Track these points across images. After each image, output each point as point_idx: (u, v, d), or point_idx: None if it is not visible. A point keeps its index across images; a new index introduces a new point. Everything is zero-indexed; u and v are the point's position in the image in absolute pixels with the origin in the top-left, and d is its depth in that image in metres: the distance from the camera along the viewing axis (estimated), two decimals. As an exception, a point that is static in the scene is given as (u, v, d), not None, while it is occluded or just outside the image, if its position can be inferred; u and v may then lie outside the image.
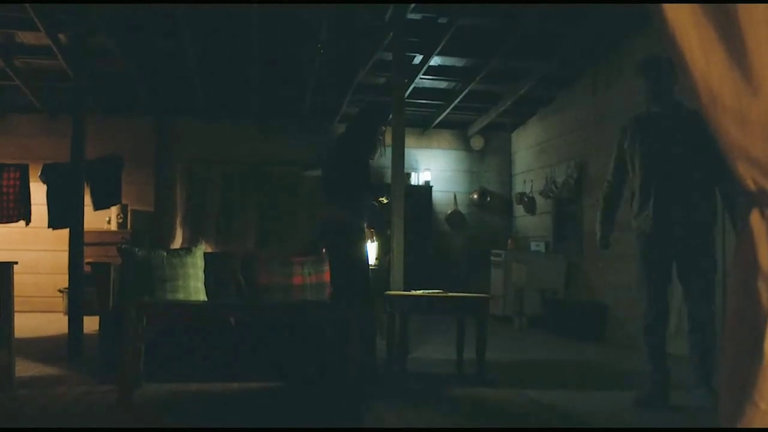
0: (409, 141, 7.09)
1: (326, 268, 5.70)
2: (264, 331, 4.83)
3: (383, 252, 7.54)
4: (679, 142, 4.23)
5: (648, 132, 4.37)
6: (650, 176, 4.31)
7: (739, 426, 1.66)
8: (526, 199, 10.04)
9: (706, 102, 1.65)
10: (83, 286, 5.82)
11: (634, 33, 7.12)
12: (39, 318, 8.44)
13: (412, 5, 6.62)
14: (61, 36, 7.32)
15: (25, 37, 7.58)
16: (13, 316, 4.38)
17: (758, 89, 1.61)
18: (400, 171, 6.45)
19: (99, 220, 9.16)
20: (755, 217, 1.68)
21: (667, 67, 4.20)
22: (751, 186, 1.67)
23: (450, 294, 5.45)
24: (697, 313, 4.25)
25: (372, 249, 7.69)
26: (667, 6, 1.65)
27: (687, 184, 4.20)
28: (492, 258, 9.51)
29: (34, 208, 8.11)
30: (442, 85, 9.24)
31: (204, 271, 5.38)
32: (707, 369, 4.15)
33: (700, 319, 4.23)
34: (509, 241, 9.83)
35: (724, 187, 4.15)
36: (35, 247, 9.33)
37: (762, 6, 1.61)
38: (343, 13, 7.02)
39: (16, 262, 4.42)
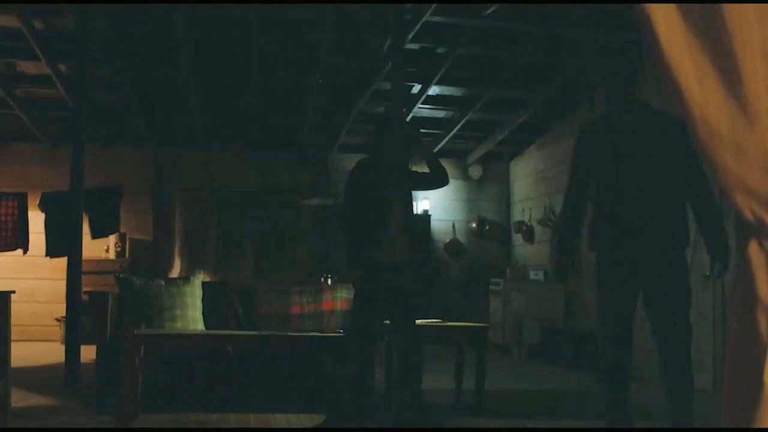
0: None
1: (325, 297, 5.69)
2: (262, 361, 4.80)
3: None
4: (646, 153, 3.54)
5: (609, 142, 3.65)
6: (613, 194, 3.60)
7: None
8: (524, 228, 10.04)
9: (702, 133, 1.65)
10: (81, 315, 5.80)
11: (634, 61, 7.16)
12: (36, 347, 8.39)
13: (410, 35, 6.67)
14: (61, 66, 7.36)
15: (26, 67, 7.62)
16: (10, 345, 4.35)
17: (754, 120, 1.62)
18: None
19: (97, 248, 9.15)
20: (753, 248, 1.68)
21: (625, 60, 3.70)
22: (749, 217, 1.67)
23: (449, 323, 5.43)
24: (668, 352, 3.54)
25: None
26: (662, 37, 1.66)
27: (655, 202, 3.52)
28: (491, 287, 9.49)
29: (32, 237, 8.10)
30: (441, 114, 9.28)
31: (202, 301, 5.36)
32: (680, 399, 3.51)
33: (672, 362, 3.53)
34: (508, 270, 9.82)
35: (699, 206, 3.47)
36: (33, 276, 9.30)
37: (756, 37, 1.62)
38: (342, 43, 7.07)
39: (14, 291, 4.41)
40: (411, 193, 4.94)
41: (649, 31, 1.68)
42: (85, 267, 6.06)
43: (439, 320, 5.52)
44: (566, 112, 8.90)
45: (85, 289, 5.80)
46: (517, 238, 10.42)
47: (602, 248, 3.70)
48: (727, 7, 1.61)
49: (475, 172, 10.85)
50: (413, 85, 8.08)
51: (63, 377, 5.62)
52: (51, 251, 7.76)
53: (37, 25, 6.60)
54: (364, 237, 4.70)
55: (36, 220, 8.08)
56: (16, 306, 4.49)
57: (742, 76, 1.60)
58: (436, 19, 6.44)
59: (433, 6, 6.15)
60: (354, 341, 4.57)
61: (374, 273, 4.64)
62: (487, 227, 10.74)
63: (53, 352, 7.66)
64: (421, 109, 8.86)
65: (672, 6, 1.67)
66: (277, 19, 6.54)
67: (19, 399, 4.87)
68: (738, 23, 1.60)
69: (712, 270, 3.42)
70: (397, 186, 4.78)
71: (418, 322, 4.90)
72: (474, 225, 10.71)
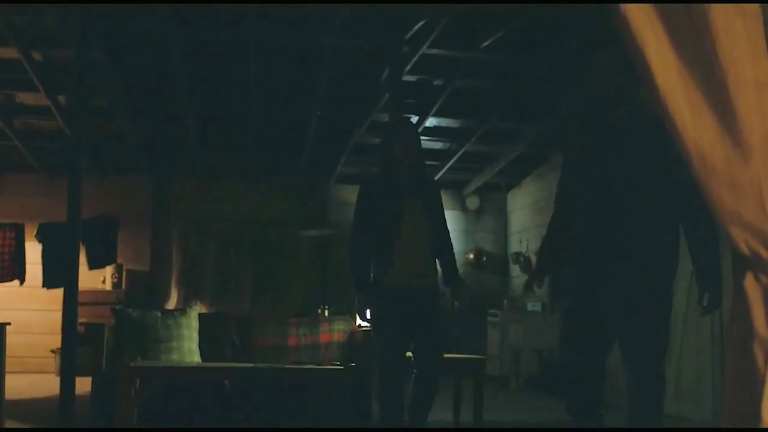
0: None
1: (322, 329, 5.66)
2: (259, 394, 4.77)
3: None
4: (634, 168, 3.12)
5: (595, 157, 3.26)
6: (593, 218, 3.20)
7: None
8: (522, 259, 10.03)
9: (697, 167, 1.67)
10: (76, 347, 5.76)
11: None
12: (30, 379, 8.33)
13: (408, 67, 6.72)
14: (60, 97, 7.40)
15: (25, 98, 7.66)
16: (5, 377, 4.32)
17: (748, 155, 1.63)
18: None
19: (94, 279, 9.12)
20: (749, 282, 1.69)
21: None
22: (745, 250, 1.68)
23: (446, 355, 5.40)
24: (639, 404, 3.13)
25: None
26: (656, 72, 1.68)
27: (642, 227, 3.10)
28: (488, 318, 9.46)
29: (28, 268, 8.08)
30: (438, 145, 9.32)
31: (198, 332, 5.34)
32: None
33: (641, 414, 3.13)
34: (505, 301, 9.79)
35: (692, 230, 3.09)
36: (29, 307, 9.26)
37: (749, 72, 1.64)
38: (340, 74, 7.11)
39: (9, 323, 4.39)
40: (436, 204, 4.33)
41: (643, 66, 1.70)
42: (81, 298, 6.02)
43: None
44: (563, 143, 8.94)
45: (81, 320, 5.77)
46: (515, 270, 10.41)
47: (576, 284, 3.28)
48: (720, 43, 1.63)
49: (472, 203, 10.86)
50: (410, 117, 8.12)
51: (57, 409, 5.57)
52: (48, 282, 7.75)
53: (37, 56, 6.64)
54: (369, 258, 4.21)
55: (33, 251, 8.07)
56: (11, 337, 4.47)
57: (736, 110, 1.62)
58: (434, 51, 6.50)
59: (431, 39, 6.21)
60: (380, 387, 4.13)
61: (382, 301, 4.12)
62: (485, 258, 10.73)
63: (48, 384, 7.60)
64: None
65: (665, 41, 1.69)
66: (276, 50, 6.59)
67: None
68: (731, 58, 1.62)
69: (700, 303, 3.08)
70: (414, 195, 4.21)
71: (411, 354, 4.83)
72: (471, 256, 10.70)
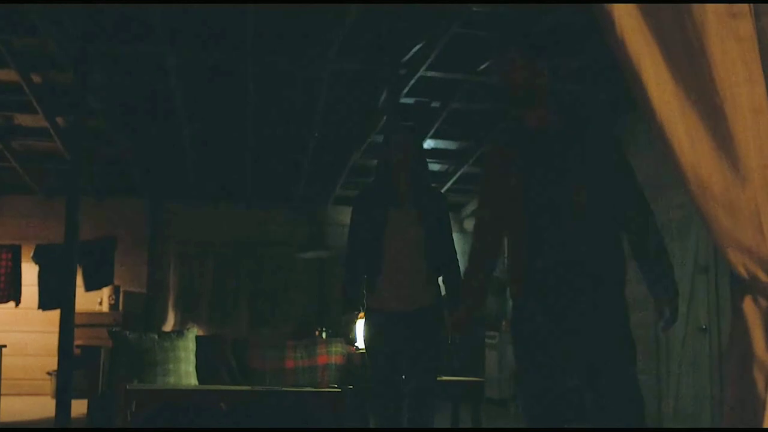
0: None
1: (319, 351, 5.64)
2: (256, 417, 4.74)
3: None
4: (568, 169, 2.79)
5: (521, 157, 2.89)
6: (533, 222, 2.83)
7: None
8: (519, 281, 10.00)
9: (695, 191, 1.67)
10: (72, 369, 5.74)
11: (625, 116, 7.25)
12: (26, 401, 8.28)
13: (406, 89, 6.75)
14: (58, 119, 7.42)
15: (24, 120, 7.68)
16: (0, 399, 4.30)
17: (746, 178, 1.63)
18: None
19: (90, 301, 9.09)
20: (748, 305, 1.68)
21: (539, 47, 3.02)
22: (743, 273, 1.67)
23: (444, 378, 5.38)
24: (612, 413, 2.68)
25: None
26: (653, 96, 1.69)
27: (583, 231, 2.75)
28: (486, 340, 9.43)
29: (25, 289, 8.06)
30: (436, 167, 9.34)
31: (195, 355, 5.32)
32: None
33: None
34: (503, 323, 9.76)
35: (637, 237, 2.82)
36: (24, 329, 9.22)
37: (746, 96, 1.65)
38: (337, 97, 7.14)
39: (5, 345, 4.37)
40: (437, 214, 3.90)
41: (640, 90, 1.71)
42: (77, 320, 6.02)
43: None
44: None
45: (77, 342, 5.75)
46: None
47: (516, 296, 2.94)
48: (717, 67, 1.64)
49: (470, 224, 10.86)
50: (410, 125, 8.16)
51: (53, 433, 5.54)
52: (44, 304, 7.73)
53: (36, 79, 6.66)
54: (361, 275, 3.88)
55: (29, 273, 8.05)
56: (7, 359, 4.45)
57: (733, 135, 1.62)
58: (431, 74, 6.53)
59: (428, 61, 6.24)
60: (376, 415, 3.89)
61: (369, 326, 3.81)
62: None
63: (44, 407, 7.55)
64: (416, 163, 8.92)
65: (662, 66, 1.69)
66: (274, 73, 6.62)
67: (8, 455, 4.79)
68: (727, 83, 1.62)
69: (660, 322, 2.81)
70: (410, 205, 3.84)
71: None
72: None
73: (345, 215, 9.84)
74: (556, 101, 2.97)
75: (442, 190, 9.75)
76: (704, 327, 5.73)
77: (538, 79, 2.91)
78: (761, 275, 1.65)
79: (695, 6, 1.65)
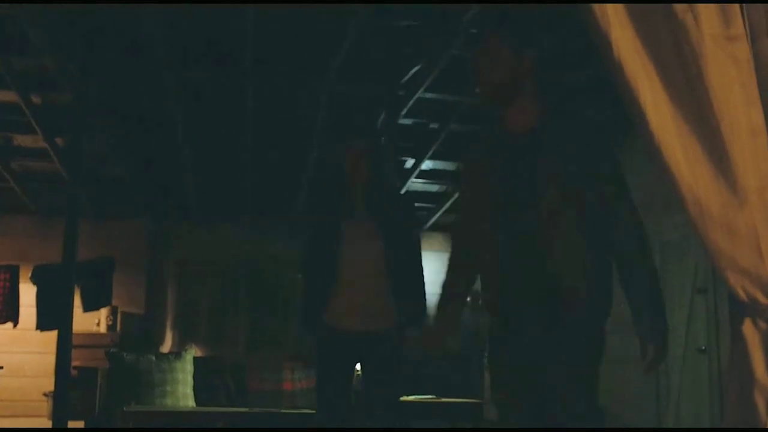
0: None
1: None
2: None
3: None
4: (553, 181, 2.45)
5: (502, 169, 2.56)
6: (508, 241, 2.55)
7: None
8: (518, 302, 9.98)
9: (693, 212, 1.67)
10: (69, 391, 5.71)
11: (623, 136, 7.26)
12: (21, 423, 8.21)
13: (404, 111, 6.77)
14: (58, 140, 7.43)
15: (23, 140, 7.69)
16: (-4, 422, 4.28)
17: (744, 200, 1.64)
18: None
19: (88, 322, 9.05)
20: (748, 327, 1.68)
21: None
22: (742, 296, 1.67)
23: (442, 399, 5.36)
24: None
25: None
26: (651, 119, 1.70)
27: (565, 253, 2.44)
28: (485, 361, 9.38)
29: (22, 310, 8.03)
30: (434, 188, 9.35)
31: (193, 376, 5.30)
32: None
33: None
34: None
35: (626, 261, 2.46)
36: (21, 350, 9.16)
37: (743, 119, 1.66)
38: (336, 118, 7.16)
39: (2, 367, 4.35)
40: (399, 222, 3.59)
41: (638, 112, 1.72)
42: (75, 341, 5.99)
43: (432, 396, 5.45)
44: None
45: (74, 363, 5.72)
46: (511, 312, 10.34)
47: (492, 328, 2.71)
48: (714, 90, 1.65)
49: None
50: (406, 160, 8.16)
51: (49, 455, 5.50)
52: (41, 324, 7.69)
53: (36, 100, 6.68)
54: (315, 293, 3.53)
55: (27, 293, 8.03)
56: (3, 381, 4.43)
57: (731, 157, 1.63)
58: (429, 95, 6.55)
59: (427, 83, 6.26)
60: None
61: (327, 347, 3.46)
62: (481, 300, 10.67)
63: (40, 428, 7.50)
64: (414, 183, 8.93)
65: (659, 88, 1.71)
66: (273, 93, 6.65)
67: (3, 478, 4.76)
68: (725, 106, 1.64)
69: (642, 356, 2.44)
70: (367, 213, 3.54)
71: (408, 398, 4.67)
72: (468, 298, 10.64)
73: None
74: (546, 97, 2.57)
75: (441, 211, 9.75)
76: (703, 348, 5.72)
77: (519, 71, 2.46)
78: (760, 297, 1.65)
79: (692, 29, 1.66)
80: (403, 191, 8.56)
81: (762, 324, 1.67)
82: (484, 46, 2.54)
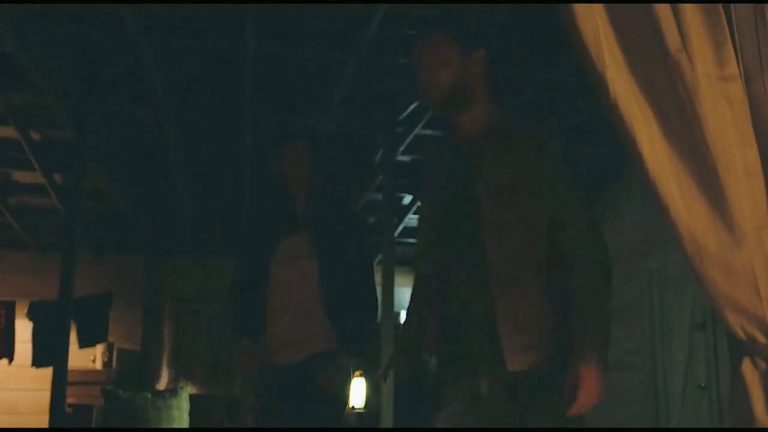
0: (398, 279, 7.13)
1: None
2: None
3: (372, 393, 7.40)
4: (501, 194, 2.17)
5: (446, 180, 2.33)
6: (450, 264, 2.26)
7: None
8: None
9: (690, 251, 1.68)
10: (64, 429, 5.65)
11: (621, 172, 7.29)
12: (15, 462, 8.13)
13: (402, 148, 6.80)
14: (56, 176, 7.45)
15: (21, 176, 7.70)
16: (-11, 461, 4.23)
17: (741, 239, 1.65)
18: (390, 310, 6.44)
19: (84, 358, 8.99)
20: (747, 367, 1.68)
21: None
22: (741, 335, 1.67)
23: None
24: None
25: (359, 390, 7.56)
26: (648, 157, 1.71)
27: (511, 278, 2.13)
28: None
29: (18, 346, 7.99)
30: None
31: (189, 414, 5.26)
32: None
33: None
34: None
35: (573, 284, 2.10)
36: (16, 387, 9.09)
37: (739, 158, 1.67)
38: (335, 155, 7.19)
39: (-4, 405, 4.31)
40: (342, 240, 3.20)
41: (634, 152, 1.73)
42: (70, 377, 5.95)
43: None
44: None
45: (69, 400, 5.68)
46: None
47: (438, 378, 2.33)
48: (709, 130, 1.66)
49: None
50: (404, 196, 8.19)
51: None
52: (37, 361, 7.64)
53: (35, 136, 6.71)
54: (240, 321, 3.23)
55: (23, 330, 7.99)
56: (-2, 420, 4.39)
57: (727, 196, 1.64)
58: (427, 132, 6.58)
59: (424, 120, 6.29)
60: None
61: (262, 384, 3.12)
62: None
63: (33, 467, 7.42)
64: (412, 220, 8.95)
65: (655, 127, 1.72)
66: (271, 132, 6.68)
67: None
68: (720, 146, 1.65)
69: (568, 400, 1.98)
70: (305, 230, 3.17)
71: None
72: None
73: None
74: (500, 100, 2.33)
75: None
76: (703, 385, 5.68)
77: (468, 72, 2.22)
78: (759, 337, 1.64)
79: (686, 69, 1.68)
80: (400, 228, 8.58)
81: (761, 363, 1.66)
82: (427, 45, 2.27)
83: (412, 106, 6.37)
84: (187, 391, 5.45)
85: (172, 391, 5.38)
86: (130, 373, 9.30)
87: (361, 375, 7.59)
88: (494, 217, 2.15)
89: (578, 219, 2.16)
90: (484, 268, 2.14)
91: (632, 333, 6.29)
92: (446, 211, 2.28)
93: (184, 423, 5.17)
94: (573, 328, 2.05)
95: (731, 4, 1.73)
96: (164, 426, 5.02)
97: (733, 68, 1.70)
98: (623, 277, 6.52)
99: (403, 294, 10.48)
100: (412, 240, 9.64)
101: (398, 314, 10.12)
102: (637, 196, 5.99)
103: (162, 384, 9.23)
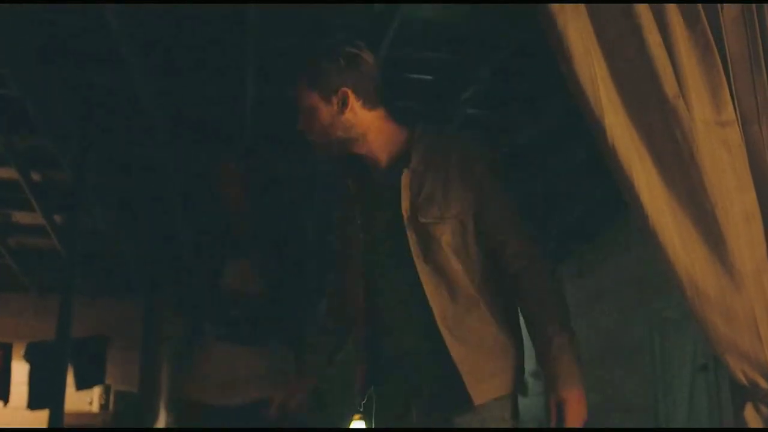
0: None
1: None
2: None
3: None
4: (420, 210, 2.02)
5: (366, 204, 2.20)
6: (374, 298, 2.12)
7: None
8: (517, 380, 9.84)
9: (690, 296, 1.68)
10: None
11: (620, 213, 7.30)
12: (9, 506, 8.02)
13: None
14: (56, 217, 7.45)
15: (21, 218, 7.71)
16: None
17: (741, 283, 1.65)
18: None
19: (81, 400, 8.91)
20: (749, 412, 1.66)
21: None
22: (743, 380, 1.66)
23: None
24: None
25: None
26: (646, 202, 1.71)
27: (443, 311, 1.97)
28: None
29: (14, 388, 7.93)
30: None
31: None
32: None
33: None
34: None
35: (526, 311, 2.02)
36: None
37: (737, 203, 1.68)
38: (331, 197, 7.20)
39: (-9, 449, 4.26)
40: (287, 261, 2.95)
41: (632, 196, 1.74)
42: (66, 420, 5.89)
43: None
44: (553, 266, 8.95)
45: (65, 444, 5.61)
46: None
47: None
48: (707, 175, 1.67)
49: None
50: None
51: None
52: (33, 403, 7.57)
53: (35, 177, 6.73)
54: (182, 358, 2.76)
55: (19, 371, 7.93)
56: (-7, 464, 4.33)
57: (726, 240, 1.65)
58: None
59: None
60: None
61: (185, 422, 2.71)
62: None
63: None
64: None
65: (653, 172, 1.73)
66: (269, 174, 6.69)
67: None
68: (718, 190, 1.66)
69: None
70: (255, 255, 2.95)
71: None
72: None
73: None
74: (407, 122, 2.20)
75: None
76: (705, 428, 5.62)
77: (334, 111, 2.13)
78: (762, 382, 1.64)
79: (683, 115, 1.69)
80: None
81: (763, 409, 1.65)
82: (296, 93, 2.19)
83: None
84: (185, 434, 5.38)
85: (170, 435, 5.32)
86: (128, 416, 9.22)
87: (361, 418, 7.52)
88: (422, 247, 2.00)
89: (518, 237, 2.04)
90: (419, 300, 1.98)
91: (633, 374, 6.25)
92: (369, 245, 2.14)
93: (181, 467, 5.11)
94: (541, 356, 1.96)
95: (726, 48, 1.75)
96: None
97: (729, 113, 1.71)
98: (624, 317, 6.50)
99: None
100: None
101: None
102: (638, 235, 5.99)
103: (160, 426, 9.14)
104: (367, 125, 2.12)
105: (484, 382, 1.93)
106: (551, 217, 7.71)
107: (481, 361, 1.94)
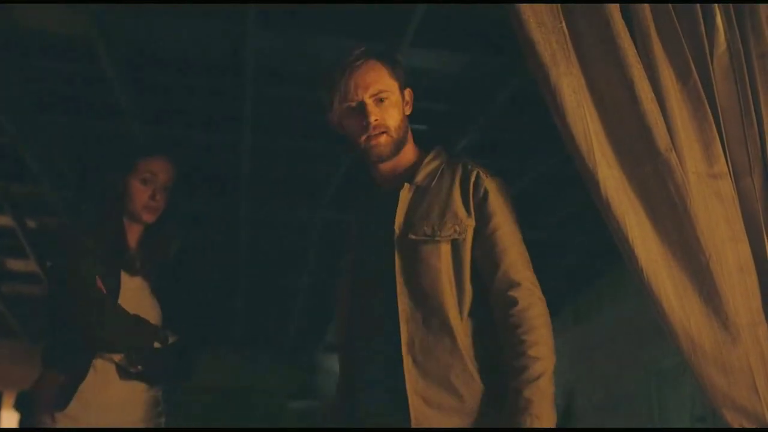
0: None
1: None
2: None
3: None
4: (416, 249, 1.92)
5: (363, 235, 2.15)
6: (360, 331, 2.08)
7: None
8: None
9: (686, 349, 1.67)
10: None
11: (616, 261, 7.30)
12: None
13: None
14: (50, 264, 7.42)
15: (15, 265, 7.68)
16: None
17: (736, 336, 1.64)
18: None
19: (70, 451, 8.77)
20: (749, 466, 1.65)
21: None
22: (741, 434, 1.65)
23: None
24: None
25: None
26: (641, 255, 1.72)
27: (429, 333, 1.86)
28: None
29: (3, 439, 7.81)
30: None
31: None
32: None
33: None
34: None
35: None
36: (0, 481, 8.85)
37: (731, 255, 1.68)
38: (328, 245, 7.20)
39: (-22, 502, 4.17)
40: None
41: (627, 248, 1.74)
42: (56, 472, 5.78)
43: None
44: (558, 312, 8.92)
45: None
46: None
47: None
48: (701, 227, 1.68)
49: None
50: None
51: None
52: (22, 454, 7.45)
53: (30, 224, 6.72)
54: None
55: (10, 421, 7.81)
56: None
57: (721, 293, 1.65)
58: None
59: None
60: None
61: None
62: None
63: None
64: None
65: (647, 225, 1.74)
66: (266, 220, 6.70)
67: None
68: (712, 241, 1.66)
69: None
70: (152, 270, 2.68)
71: None
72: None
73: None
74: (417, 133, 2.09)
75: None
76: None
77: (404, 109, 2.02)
78: (759, 436, 1.62)
79: (676, 168, 1.71)
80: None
81: (763, 462, 1.63)
82: (364, 72, 1.94)
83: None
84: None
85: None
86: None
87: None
88: (407, 267, 1.89)
89: (518, 261, 1.97)
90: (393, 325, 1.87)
91: (631, 424, 6.19)
92: (364, 265, 2.07)
93: None
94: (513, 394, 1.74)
95: (717, 101, 1.77)
96: None
97: (722, 166, 1.73)
98: (621, 367, 6.45)
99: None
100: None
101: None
102: (634, 285, 5.98)
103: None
104: (408, 135, 2.06)
105: (432, 412, 1.77)
106: (546, 264, 7.70)
107: (435, 396, 1.77)
